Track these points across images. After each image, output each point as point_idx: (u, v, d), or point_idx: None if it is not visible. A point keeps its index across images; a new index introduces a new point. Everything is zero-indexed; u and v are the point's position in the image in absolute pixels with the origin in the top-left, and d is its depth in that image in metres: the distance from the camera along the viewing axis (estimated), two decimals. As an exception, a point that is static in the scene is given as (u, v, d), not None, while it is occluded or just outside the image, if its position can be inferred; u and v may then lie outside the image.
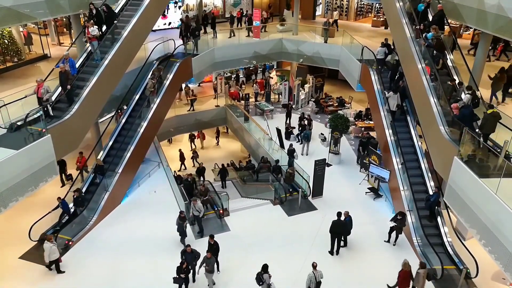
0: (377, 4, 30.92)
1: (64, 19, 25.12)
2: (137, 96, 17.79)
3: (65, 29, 26.04)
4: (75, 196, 13.77)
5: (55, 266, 12.25)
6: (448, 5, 15.04)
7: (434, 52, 14.01)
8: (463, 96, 12.22)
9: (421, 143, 15.39)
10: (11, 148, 10.78)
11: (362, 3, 32.09)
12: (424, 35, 14.62)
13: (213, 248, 12.03)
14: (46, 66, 19.95)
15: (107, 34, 15.30)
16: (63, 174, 16.49)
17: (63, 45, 24.28)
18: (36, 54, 21.84)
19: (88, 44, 15.46)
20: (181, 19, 20.19)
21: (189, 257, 11.52)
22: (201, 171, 18.85)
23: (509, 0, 12.06)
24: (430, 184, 14.28)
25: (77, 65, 14.52)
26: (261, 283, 11.00)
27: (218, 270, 12.30)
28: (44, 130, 11.63)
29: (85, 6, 17.52)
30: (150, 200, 16.02)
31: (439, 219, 13.53)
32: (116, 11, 16.92)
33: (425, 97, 13.51)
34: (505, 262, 8.94)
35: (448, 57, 14.27)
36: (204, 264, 11.44)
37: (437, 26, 14.22)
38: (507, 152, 9.71)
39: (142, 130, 16.50)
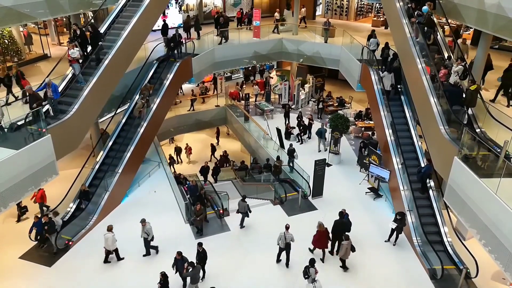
0: (377, 4, 30.92)
1: (64, 19, 25.11)
2: (125, 119, 17.06)
3: (65, 29, 26.01)
4: (44, 222, 12.80)
5: (115, 254, 12.88)
6: (448, 5, 15.05)
7: (425, 28, 14.93)
8: (454, 69, 12.77)
9: (421, 143, 15.40)
10: (11, 148, 10.80)
11: (362, 3, 32.09)
12: (416, 12, 15.38)
13: (200, 256, 11.87)
14: (46, 66, 19.92)
15: (92, 54, 14.59)
16: (18, 207, 14.60)
17: (63, 45, 24.23)
18: (36, 54, 21.81)
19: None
20: (163, 20, 20.07)
21: (180, 263, 11.37)
22: (205, 170, 18.84)
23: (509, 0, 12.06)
24: (430, 184, 14.28)
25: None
26: (306, 276, 11.15)
27: (203, 278, 12.14)
28: (44, 130, 11.64)
29: (85, 6, 17.59)
30: (150, 200, 16.02)
31: (438, 218, 13.55)
32: (116, 11, 16.94)
33: (425, 97, 13.52)
34: (505, 262, 8.94)
35: (438, 33, 15.16)
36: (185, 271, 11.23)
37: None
38: (507, 152, 9.71)
39: (142, 130, 16.51)
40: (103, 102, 15.16)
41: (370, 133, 20.71)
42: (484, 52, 14.86)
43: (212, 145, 24.09)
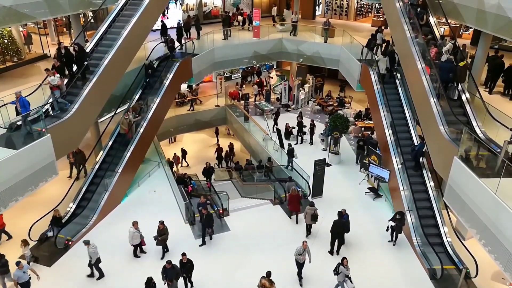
0: (377, 4, 30.92)
1: (64, 19, 25.11)
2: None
3: (65, 29, 26.04)
4: None
5: (139, 249, 13.08)
6: (448, 5, 15.05)
7: (418, 9, 15.93)
8: (444, 48, 13.78)
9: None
10: (11, 148, 10.79)
11: (362, 3, 32.09)
12: None
13: (186, 267, 11.42)
14: (46, 66, 19.88)
15: (78, 73, 14.06)
16: None
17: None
18: (36, 53, 21.83)
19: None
20: (161, 20, 20.04)
21: (169, 273, 11.05)
22: (207, 171, 18.75)
23: (509, 0, 12.07)
24: (430, 184, 14.29)
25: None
26: (336, 272, 11.34)
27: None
28: (44, 129, 11.63)
29: (85, 5, 17.56)
30: (150, 200, 16.02)
31: (438, 219, 13.55)
32: (116, 10, 16.91)
33: (425, 97, 13.53)
34: (504, 262, 8.94)
35: (431, 14, 16.08)
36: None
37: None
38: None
39: (141, 130, 16.51)
40: (103, 102, 15.14)
41: (369, 132, 20.72)
42: (484, 52, 14.89)
43: (182, 149, 23.30)
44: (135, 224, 12.71)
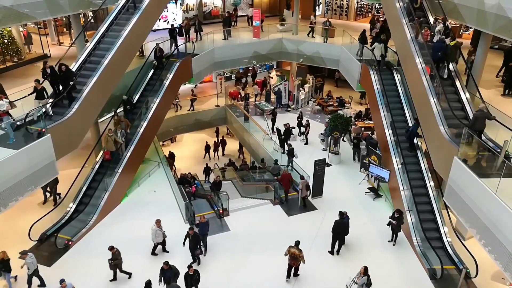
0: (377, 4, 30.90)
1: (64, 19, 25.13)
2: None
3: (65, 29, 26.05)
4: None
5: (162, 247, 13.24)
6: (448, 5, 15.07)
7: None
8: (436, 29, 14.59)
9: (421, 143, 15.40)
10: (11, 148, 10.80)
11: (362, 3, 32.08)
12: None
13: (194, 279, 10.98)
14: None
15: (64, 93, 13.41)
16: None
17: (63, 45, 24.30)
18: (36, 54, 21.86)
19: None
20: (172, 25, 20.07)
21: (167, 274, 10.91)
22: (218, 185, 18.71)
23: (509, 0, 12.08)
24: (430, 184, 14.29)
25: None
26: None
27: None
28: (44, 130, 11.64)
29: (85, 6, 17.57)
30: (150, 200, 16.02)
31: (438, 219, 13.55)
32: (116, 11, 16.91)
33: (425, 97, 13.53)
34: (504, 262, 8.94)
35: None
36: None
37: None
38: (507, 152, 9.71)
39: (142, 130, 16.52)
40: (103, 102, 15.15)
41: (369, 132, 20.70)
42: (484, 52, 14.90)
43: (170, 152, 22.64)
44: (157, 222, 12.76)
